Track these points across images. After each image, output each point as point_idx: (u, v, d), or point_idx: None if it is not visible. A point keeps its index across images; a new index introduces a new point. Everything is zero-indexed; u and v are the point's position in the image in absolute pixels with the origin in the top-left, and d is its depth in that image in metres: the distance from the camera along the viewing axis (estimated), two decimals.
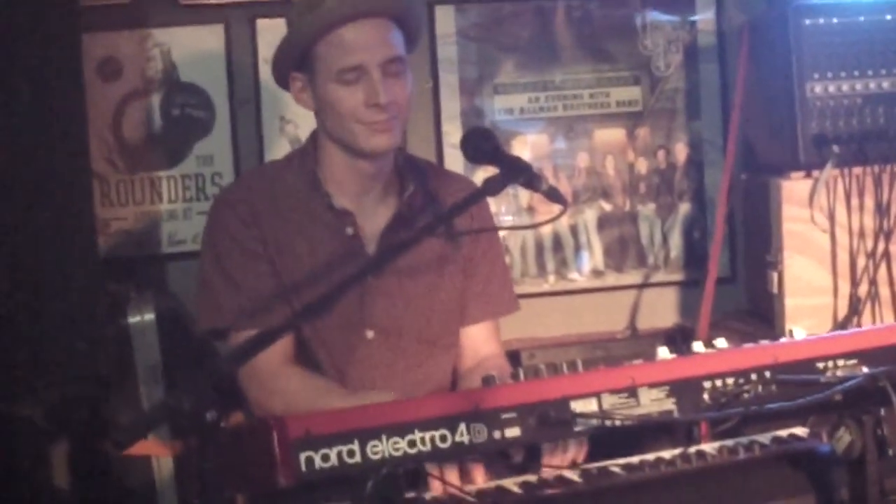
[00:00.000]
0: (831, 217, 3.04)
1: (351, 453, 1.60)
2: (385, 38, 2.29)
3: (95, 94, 3.33)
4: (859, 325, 3.00)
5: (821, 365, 1.90)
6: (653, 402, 1.80)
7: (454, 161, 3.46)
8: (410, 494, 1.80)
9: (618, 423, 1.76)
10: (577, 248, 3.68)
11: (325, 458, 1.59)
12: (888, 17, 3.05)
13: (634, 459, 1.88)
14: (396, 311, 2.42)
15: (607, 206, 3.69)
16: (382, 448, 1.62)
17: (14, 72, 2.72)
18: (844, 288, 3.05)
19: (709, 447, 1.91)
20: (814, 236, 3.06)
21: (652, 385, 1.81)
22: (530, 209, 3.62)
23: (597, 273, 3.69)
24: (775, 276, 3.10)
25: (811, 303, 3.06)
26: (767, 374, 1.86)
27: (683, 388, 1.82)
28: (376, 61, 2.27)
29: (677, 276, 3.71)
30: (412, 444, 1.65)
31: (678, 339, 3.49)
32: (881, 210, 3.02)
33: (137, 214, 3.51)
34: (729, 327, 3.33)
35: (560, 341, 3.58)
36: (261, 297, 2.34)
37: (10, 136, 2.71)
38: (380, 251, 2.39)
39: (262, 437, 1.57)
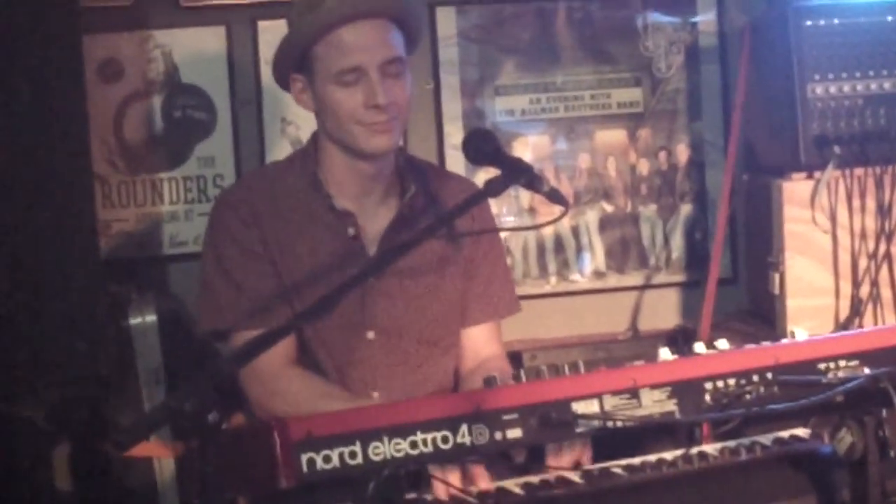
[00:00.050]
0: (833, 218, 3.04)
1: (353, 454, 1.60)
2: (384, 39, 2.29)
3: (97, 95, 3.33)
4: (861, 326, 2.99)
5: (822, 366, 1.90)
6: (654, 403, 1.80)
7: (455, 162, 3.46)
8: (412, 496, 1.80)
9: (619, 424, 1.76)
10: (579, 250, 3.68)
11: (327, 459, 1.59)
12: (889, 18, 3.05)
13: (636, 460, 1.88)
14: (397, 312, 2.42)
15: (609, 208, 3.68)
16: (384, 449, 1.62)
17: (14, 72, 2.72)
18: (846, 289, 3.05)
19: (710, 448, 1.91)
20: (815, 237, 3.06)
21: (653, 386, 1.80)
22: (532, 210, 3.62)
23: (598, 274, 3.69)
24: (777, 277, 3.10)
25: (813, 304, 3.06)
26: (769, 375, 1.86)
27: (685, 389, 1.82)
28: (375, 62, 2.26)
29: (679, 277, 3.71)
30: (414, 445, 1.64)
31: (680, 340, 3.49)
32: (882, 211, 3.02)
33: (139, 216, 3.51)
34: (730, 328, 3.33)
35: (561, 342, 3.58)
36: (262, 299, 2.34)
37: (10, 137, 2.72)
38: (381, 252, 2.39)
39: (264, 438, 1.57)
